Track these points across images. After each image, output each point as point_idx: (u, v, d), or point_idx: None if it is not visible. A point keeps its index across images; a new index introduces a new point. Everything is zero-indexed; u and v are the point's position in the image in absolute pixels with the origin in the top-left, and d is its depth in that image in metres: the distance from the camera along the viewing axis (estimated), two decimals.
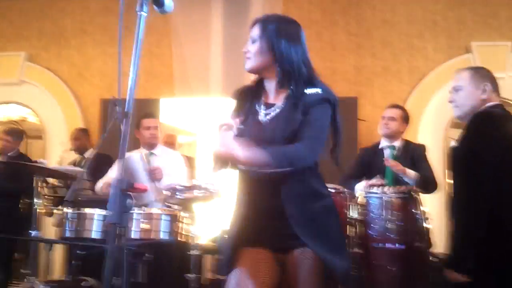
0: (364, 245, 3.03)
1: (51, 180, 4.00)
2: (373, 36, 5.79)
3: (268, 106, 1.99)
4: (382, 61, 5.75)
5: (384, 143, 3.84)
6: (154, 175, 3.80)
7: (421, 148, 3.79)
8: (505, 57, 5.50)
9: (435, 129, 5.60)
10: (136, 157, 3.89)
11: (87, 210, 3.32)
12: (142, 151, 4.05)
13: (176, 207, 3.38)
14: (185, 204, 3.39)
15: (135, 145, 4.14)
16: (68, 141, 5.32)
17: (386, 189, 3.10)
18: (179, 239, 3.34)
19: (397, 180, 3.52)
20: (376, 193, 3.08)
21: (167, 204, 3.41)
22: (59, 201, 3.93)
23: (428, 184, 3.53)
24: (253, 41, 1.98)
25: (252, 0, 5.77)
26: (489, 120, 2.43)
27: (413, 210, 3.10)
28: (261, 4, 5.86)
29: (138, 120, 4.08)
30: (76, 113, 5.98)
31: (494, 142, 2.37)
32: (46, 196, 3.88)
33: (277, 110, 1.97)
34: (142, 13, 1.69)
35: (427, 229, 3.16)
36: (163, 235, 3.31)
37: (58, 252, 5.12)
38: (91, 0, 6.20)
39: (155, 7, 1.72)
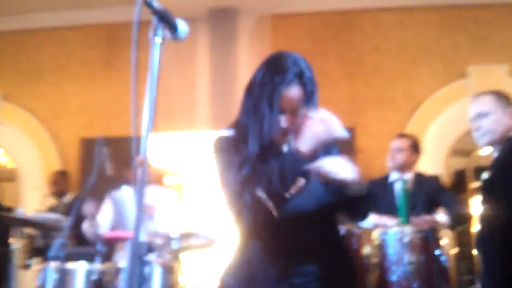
0: None
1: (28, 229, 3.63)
2: (366, 64, 5.58)
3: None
4: (376, 89, 5.53)
5: (394, 176, 3.55)
6: (147, 212, 3.43)
7: (436, 180, 3.51)
8: (503, 80, 5.32)
9: (435, 158, 5.34)
10: (126, 194, 3.53)
11: (71, 266, 2.94)
12: (130, 190, 3.70)
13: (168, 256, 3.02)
14: (178, 253, 3.04)
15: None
16: (45, 185, 4.92)
17: (405, 229, 2.78)
18: None
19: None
20: (397, 233, 2.76)
21: (159, 253, 3.04)
22: (36, 252, 3.56)
23: (464, 219, 3.24)
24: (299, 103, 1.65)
25: (240, 30, 5.55)
26: None
27: (435, 250, 2.79)
28: (248, 34, 5.63)
29: (127, 158, 3.74)
30: (53, 153, 5.58)
31: None
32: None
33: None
34: (156, 39, 1.41)
35: (447, 268, 2.86)
36: None
37: None
38: (68, 34, 5.89)
39: (167, 33, 1.46)
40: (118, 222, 3.51)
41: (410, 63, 5.53)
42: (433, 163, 5.30)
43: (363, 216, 1.78)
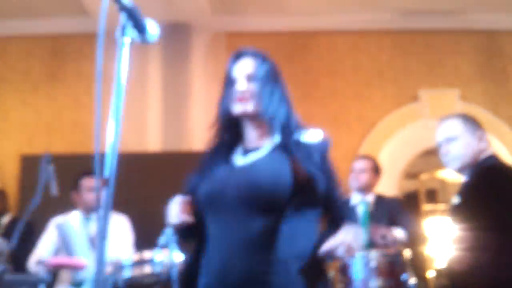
0: None
1: None
2: (321, 86, 5.56)
3: (249, 150, 1.74)
4: (330, 111, 5.51)
5: (356, 198, 3.48)
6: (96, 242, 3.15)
7: (397, 202, 3.48)
8: (454, 103, 5.43)
9: (387, 180, 5.32)
10: (73, 222, 3.24)
11: None
12: (78, 215, 3.43)
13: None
14: (133, 284, 2.80)
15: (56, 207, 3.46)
16: None
17: (372, 253, 2.69)
18: None
19: (373, 242, 3.14)
20: (363, 257, 2.66)
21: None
22: None
23: (420, 239, 3.21)
24: (252, 78, 1.71)
25: (193, 46, 5.40)
26: (506, 175, 2.15)
27: (402, 275, 2.70)
28: (202, 51, 5.50)
29: (74, 179, 3.48)
30: None
31: None
32: None
33: (262, 154, 1.71)
34: (125, 38, 1.24)
35: None
36: None
37: None
38: (10, 44, 5.54)
39: (136, 34, 1.29)
40: (64, 250, 3.22)
41: (363, 85, 5.56)
42: (385, 185, 5.30)
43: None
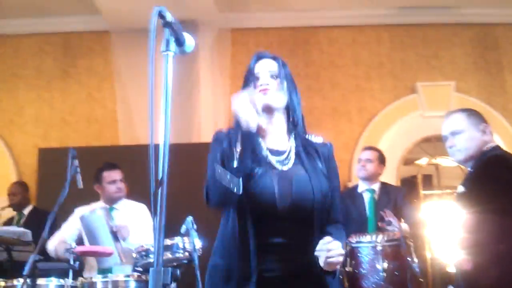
0: None
1: None
2: (322, 78, 5.79)
3: (274, 152, 1.82)
4: (331, 102, 5.74)
5: (362, 186, 3.73)
6: (119, 233, 3.37)
7: (402, 192, 3.72)
8: (450, 95, 5.68)
9: (387, 168, 5.61)
10: (97, 213, 3.44)
11: (42, 281, 2.89)
12: (101, 205, 3.64)
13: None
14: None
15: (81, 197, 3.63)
16: (4, 197, 4.74)
17: (379, 237, 2.95)
18: None
19: (378, 228, 3.39)
20: (371, 241, 2.92)
21: (136, 269, 3.02)
22: None
23: (420, 226, 3.47)
24: (274, 76, 1.85)
25: (200, 42, 5.60)
26: (508, 163, 2.35)
27: (407, 258, 2.96)
28: (209, 46, 5.70)
29: (96, 172, 3.69)
30: (8, 164, 5.40)
31: None
32: None
33: (292, 157, 1.82)
34: (169, 52, 1.45)
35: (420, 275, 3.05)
36: None
37: None
38: (23, 42, 5.73)
39: (175, 47, 1.48)
40: (88, 240, 3.41)
41: (363, 78, 5.79)
42: (385, 173, 5.56)
43: None
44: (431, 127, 5.78)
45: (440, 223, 4.74)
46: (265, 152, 1.80)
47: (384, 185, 3.75)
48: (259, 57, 1.91)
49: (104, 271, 3.34)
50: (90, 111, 5.51)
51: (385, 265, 2.87)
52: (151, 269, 1.24)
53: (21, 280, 2.82)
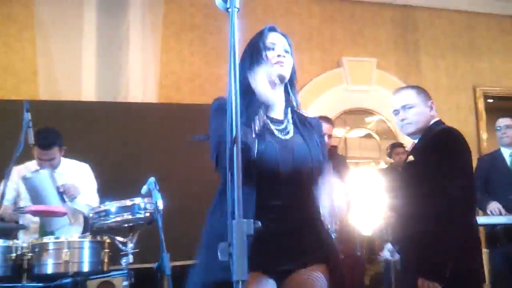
0: None
1: None
2: None
3: (274, 121, 1.90)
4: None
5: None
6: (68, 193, 3.16)
7: None
8: (371, 71, 5.99)
9: None
10: (42, 173, 3.18)
11: None
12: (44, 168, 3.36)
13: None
14: (115, 229, 2.94)
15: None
16: None
17: None
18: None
19: None
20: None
21: (94, 229, 2.90)
22: None
23: None
24: (287, 51, 1.96)
25: None
26: (455, 136, 2.58)
27: None
28: (140, 3, 5.45)
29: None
30: None
31: (463, 156, 2.55)
32: None
33: (291, 128, 1.90)
34: (235, 8, 1.39)
35: None
36: (88, 266, 2.84)
37: None
38: None
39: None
40: (32, 200, 3.16)
41: (294, 49, 5.88)
42: None
43: None
44: (354, 100, 6.09)
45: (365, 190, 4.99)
46: (267, 120, 1.87)
47: None
48: (271, 29, 1.99)
49: (47, 234, 3.15)
50: (7, 61, 5.05)
51: None
52: (233, 221, 1.20)
53: None
